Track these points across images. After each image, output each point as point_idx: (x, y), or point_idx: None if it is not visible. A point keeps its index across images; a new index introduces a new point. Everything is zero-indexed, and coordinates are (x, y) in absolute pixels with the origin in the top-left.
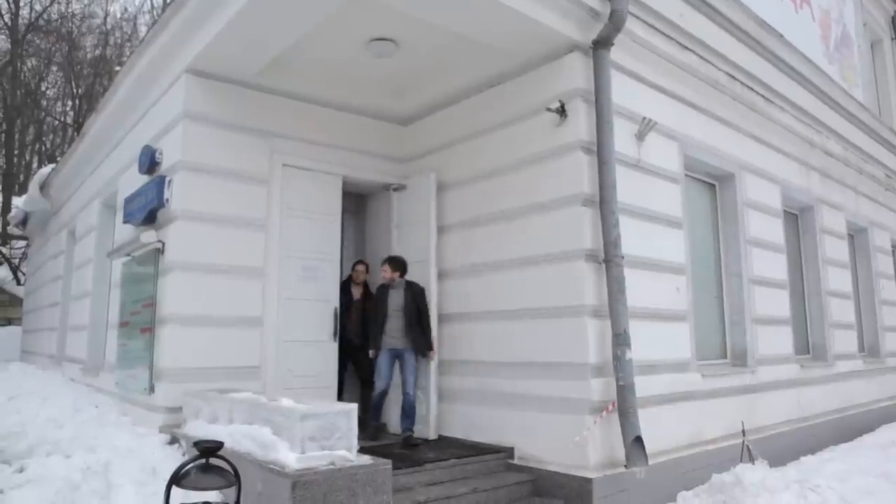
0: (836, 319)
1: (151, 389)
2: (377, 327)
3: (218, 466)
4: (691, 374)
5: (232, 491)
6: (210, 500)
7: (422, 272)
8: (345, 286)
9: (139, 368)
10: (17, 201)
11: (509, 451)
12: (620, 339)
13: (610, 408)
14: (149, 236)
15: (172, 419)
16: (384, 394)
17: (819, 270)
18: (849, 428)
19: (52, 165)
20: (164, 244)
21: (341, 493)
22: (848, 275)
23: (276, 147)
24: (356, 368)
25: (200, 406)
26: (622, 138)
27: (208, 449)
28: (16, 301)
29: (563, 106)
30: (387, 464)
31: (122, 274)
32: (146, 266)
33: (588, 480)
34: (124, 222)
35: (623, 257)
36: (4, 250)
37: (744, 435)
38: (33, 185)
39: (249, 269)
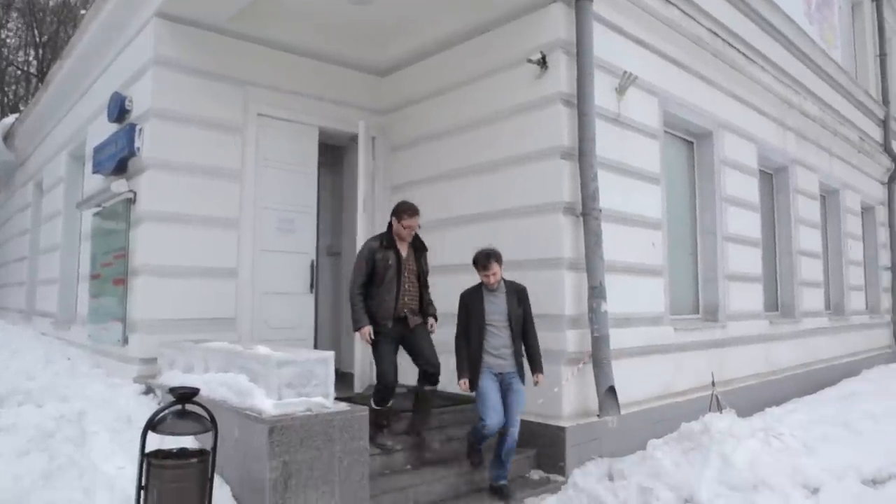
0: (805, 278)
1: (125, 341)
2: (472, 346)
3: (194, 412)
4: (664, 327)
5: (208, 437)
6: (186, 447)
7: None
8: (385, 241)
9: (112, 320)
10: None
11: None
12: (596, 292)
13: (585, 359)
14: (119, 186)
15: (147, 370)
16: (497, 431)
17: (791, 230)
18: (813, 381)
19: (16, 115)
20: (135, 194)
21: (318, 438)
22: (818, 235)
23: (250, 96)
24: (414, 357)
25: (175, 356)
26: (602, 92)
27: (184, 395)
28: None
29: (544, 57)
30: (363, 410)
31: (92, 225)
32: (117, 217)
33: (561, 429)
34: (94, 172)
35: (601, 211)
36: None
37: (713, 386)
38: None
39: (224, 219)
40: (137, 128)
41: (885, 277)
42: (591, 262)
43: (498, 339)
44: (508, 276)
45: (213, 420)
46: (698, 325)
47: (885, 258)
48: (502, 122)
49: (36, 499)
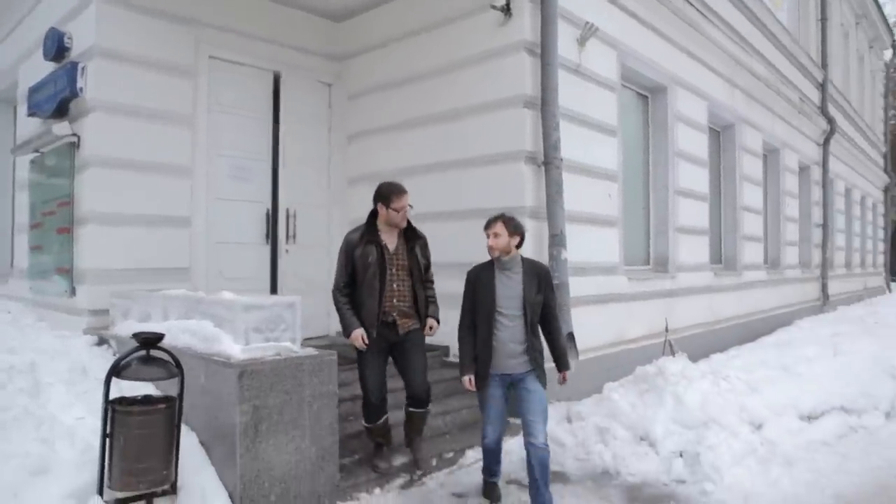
0: (747, 233)
1: (72, 292)
2: (480, 336)
3: (159, 358)
4: (618, 277)
5: (174, 383)
6: (150, 395)
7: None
8: (365, 234)
9: (57, 271)
10: None
11: (444, 350)
12: (557, 240)
13: None
14: (62, 128)
15: (97, 321)
16: (498, 444)
17: (736, 186)
18: (751, 330)
19: None
20: (79, 138)
21: (288, 382)
22: (760, 192)
23: (201, 37)
24: (400, 374)
25: (129, 306)
26: (564, 42)
27: (148, 339)
28: None
29: (508, 4)
30: (332, 354)
31: (29, 172)
32: (59, 162)
33: None
34: (29, 115)
35: (562, 160)
36: None
37: (666, 331)
38: None
39: (176, 166)
40: (80, 66)
41: (817, 234)
42: (553, 210)
43: (509, 332)
44: (469, 225)
45: (178, 365)
46: (650, 276)
47: (817, 216)
48: (464, 69)
49: None
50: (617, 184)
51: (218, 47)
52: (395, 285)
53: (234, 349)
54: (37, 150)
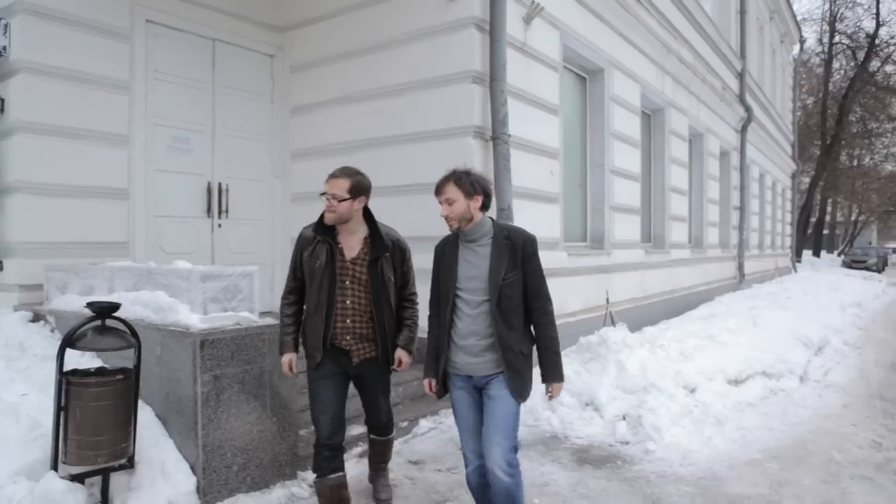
0: (674, 213)
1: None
2: (440, 327)
3: (115, 328)
4: (559, 252)
5: (128, 355)
6: (105, 366)
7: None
8: (317, 228)
9: None
10: None
11: None
12: (504, 214)
13: None
14: None
15: (29, 297)
16: (481, 475)
17: (664, 168)
18: (677, 305)
19: None
20: (3, 101)
21: (248, 352)
22: (685, 174)
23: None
24: (361, 397)
25: (68, 280)
26: (510, 20)
27: (104, 309)
28: None
29: None
30: None
31: None
32: None
33: None
34: None
35: (510, 136)
36: None
37: (608, 303)
38: None
39: (112, 135)
40: (2, 23)
41: (735, 216)
42: (500, 185)
43: (468, 322)
44: (418, 199)
45: (135, 335)
46: (587, 252)
47: (735, 199)
48: (412, 44)
49: None
50: (558, 162)
51: (155, 11)
52: (347, 301)
53: (192, 319)
54: None
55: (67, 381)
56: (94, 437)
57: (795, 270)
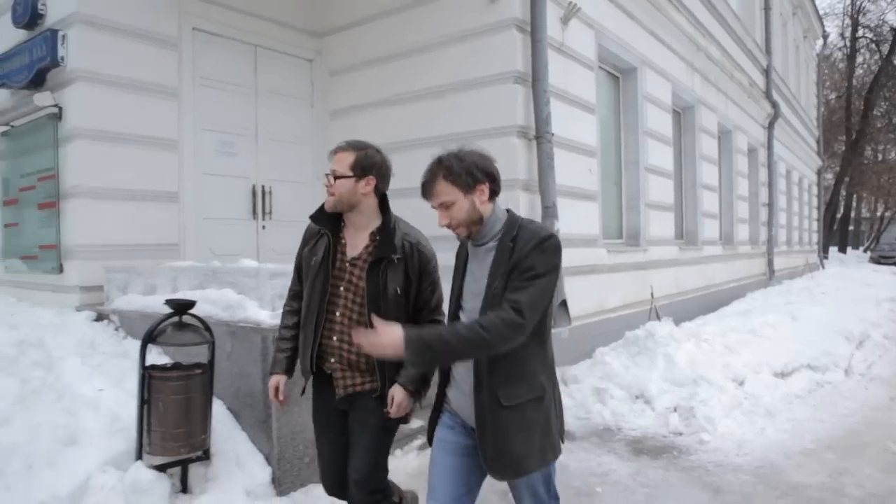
0: (706, 209)
1: (59, 269)
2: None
3: (192, 324)
4: (598, 249)
5: (203, 350)
6: (181, 362)
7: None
8: (318, 219)
9: (40, 248)
10: None
11: None
12: (549, 212)
13: None
14: (44, 99)
15: (89, 298)
16: None
17: (695, 165)
18: (710, 302)
19: None
20: (61, 109)
21: None
22: (716, 171)
23: (184, 8)
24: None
25: (129, 280)
26: (549, 21)
27: (182, 305)
28: None
29: None
30: None
31: (1, 145)
32: (38, 134)
33: None
34: None
35: (553, 135)
36: None
37: (652, 298)
38: None
39: (163, 140)
40: (60, 34)
41: (763, 213)
42: (545, 183)
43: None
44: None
45: (209, 331)
46: (624, 249)
47: (763, 196)
48: (453, 46)
49: (20, 422)
50: (596, 160)
51: (201, 18)
52: (336, 313)
53: (262, 315)
54: (7, 124)
55: (150, 376)
56: (176, 428)
57: (823, 267)
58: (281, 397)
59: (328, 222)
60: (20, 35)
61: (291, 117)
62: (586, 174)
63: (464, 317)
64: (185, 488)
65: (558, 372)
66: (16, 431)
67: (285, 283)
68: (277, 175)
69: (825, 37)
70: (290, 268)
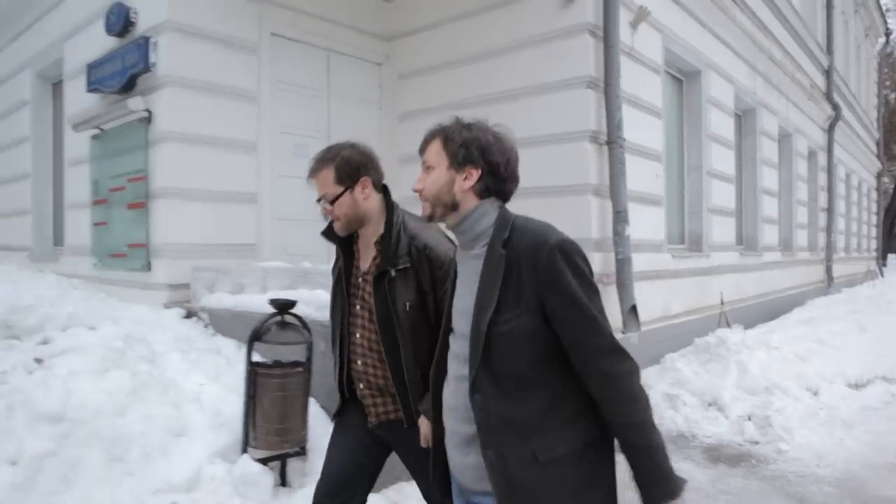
0: (766, 215)
1: (148, 266)
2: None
3: (293, 323)
4: (664, 254)
5: (299, 349)
6: (280, 360)
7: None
8: (330, 236)
9: (130, 246)
10: None
11: None
12: (621, 217)
13: (606, 280)
14: (136, 103)
15: (177, 295)
16: None
17: (755, 169)
18: (771, 309)
19: None
20: (150, 112)
21: None
22: (775, 175)
23: (264, 13)
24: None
25: (216, 278)
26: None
27: (284, 305)
28: None
29: None
30: None
31: (92, 148)
32: (129, 137)
33: None
34: (90, 90)
35: (624, 140)
36: None
37: (722, 304)
38: None
39: (243, 142)
40: (152, 41)
41: (822, 218)
42: (616, 188)
43: (450, 390)
44: (526, 205)
45: (307, 329)
46: (687, 254)
47: (823, 200)
48: (524, 50)
49: (134, 412)
50: (661, 164)
51: (279, 24)
52: (357, 335)
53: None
54: (97, 127)
55: (255, 372)
56: (279, 424)
57: (882, 275)
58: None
59: (345, 247)
60: (111, 42)
61: (361, 120)
62: (652, 179)
63: (454, 342)
64: (284, 482)
65: None
66: (131, 422)
67: None
68: None
69: (888, 34)
70: None
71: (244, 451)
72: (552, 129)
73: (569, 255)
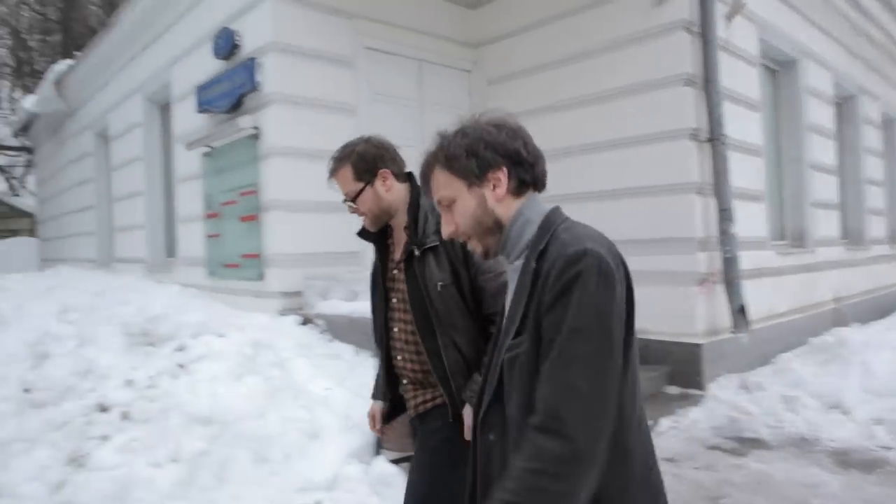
0: (872, 206)
1: (261, 276)
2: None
3: None
4: (767, 251)
5: None
6: None
7: None
8: (364, 233)
9: (243, 257)
10: (27, 103)
11: None
12: (726, 215)
13: (714, 279)
14: (246, 121)
15: (289, 303)
16: None
17: (859, 159)
18: (881, 305)
19: (68, 62)
20: (259, 129)
21: None
22: (881, 164)
23: (358, 28)
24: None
25: (328, 286)
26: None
27: None
28: (16, 213)
29: None
30: None
31: (204, 165)
32: (239, 153)
33: (697, 346)
34: (201, 111)
35: (726, 136)
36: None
37: (836, 301)
38: (48, 84)
39: None
40: (257, 62)
41: None
42: (720, 186)
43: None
44: (624, 205)
45: None
46: (791, 251)
47: None
48: (616, 50)
49: (271, 415)
50: (762, 159)
51: (372, 38)
52: (395, 329)
53: None
54: (208, 145)
55: None
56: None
57: None
58: (378, 426)
59: (380, 243)
60: (217, 65)
61: (452, 127)
62: (753, 175)
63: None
64: None
65: (737, 378)
66: (271, 424)
67: None
68: None
69: None
70: None
71: (377, 452)
72: (650, 128)
73: (584, 272)
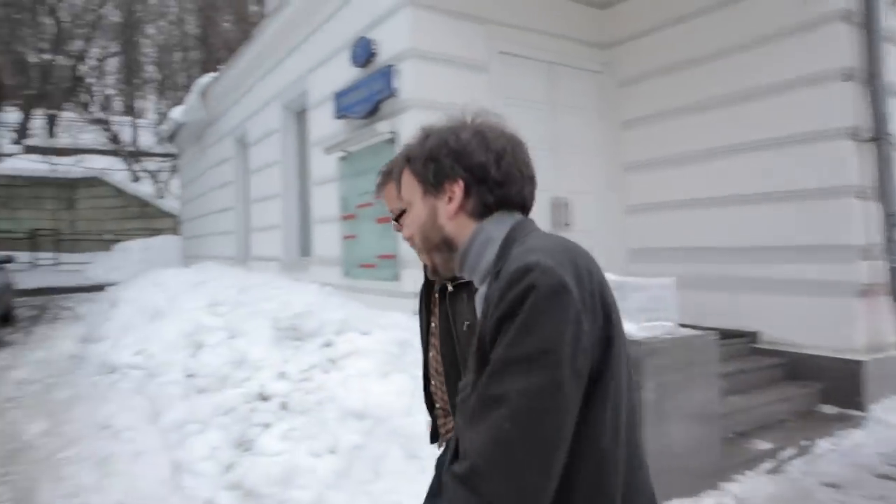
0: None
1: (396, 276)
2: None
3: None
4: None
5: None
6: None
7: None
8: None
9: (379, 257)
10: (174, 113)
11: (752, 336)
12: (892, 220)
13: (881, 291)
14: (383, 126)
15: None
16: None
17: None
18: None
19: (212, 74)
20: (395, 134)
21: (681, 360)
22: None
23: (491, 33)
24: None
25: None
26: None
27: None
28: (161, 213)
29: None
30: (714, 335)
31: (340, 169)
32: (375, 158)
33: (858, 363)
34: (338, 117)
35: (892, 135)
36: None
37: None
38: (194, 95)
39: None
40: (394, 69)
41: None
42: (886, 188)
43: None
44: (773, 209)
45: None
46: None
47: None
48: (761, 46)
49: (418, 413)
50: None
51: (505, 42)
52: (430, 353)
53: (631, 328)
54: (344, 150)
55: None
56: None
57: None
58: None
59: (426, 277)
60: (353, 73)
61: (582, 130)
62: None
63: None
64: None
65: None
66: (418, 422)
67: (645, 295)
68: (574, 186)
69: None
70: (648, 282)
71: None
72: (802, 127)
73: (528, 291)
